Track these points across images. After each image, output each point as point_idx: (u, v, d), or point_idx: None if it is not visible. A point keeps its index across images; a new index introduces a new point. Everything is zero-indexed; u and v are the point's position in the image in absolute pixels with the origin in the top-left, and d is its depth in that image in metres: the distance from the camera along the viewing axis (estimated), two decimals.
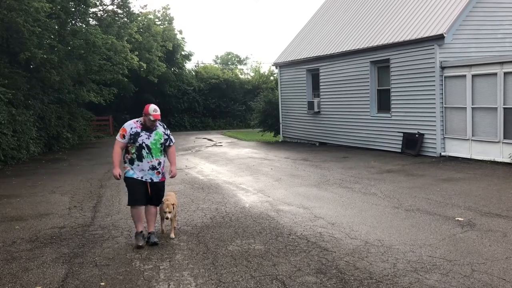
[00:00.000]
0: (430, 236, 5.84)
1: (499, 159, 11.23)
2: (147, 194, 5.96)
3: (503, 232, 5.90)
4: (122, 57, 21.32)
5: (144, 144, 5.89)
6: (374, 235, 5.99)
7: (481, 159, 11.65)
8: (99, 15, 20.48)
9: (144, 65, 24.39)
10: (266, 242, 5.84)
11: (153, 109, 5.90)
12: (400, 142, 13.87)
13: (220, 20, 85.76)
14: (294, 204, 7.92)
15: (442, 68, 12.52)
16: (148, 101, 29.84)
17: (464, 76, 12.01)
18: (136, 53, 23.73)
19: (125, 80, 24.42)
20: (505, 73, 11.03)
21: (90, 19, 20.43)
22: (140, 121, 6.02)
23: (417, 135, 13.28)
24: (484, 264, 4.83)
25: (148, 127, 5.96)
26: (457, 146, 12.37)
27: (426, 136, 13.06)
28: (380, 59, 14.73)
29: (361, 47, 15.29)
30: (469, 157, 11.98)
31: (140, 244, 5.79)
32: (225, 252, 5.51)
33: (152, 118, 5.87)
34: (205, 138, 23.83)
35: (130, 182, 5.95)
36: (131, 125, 5.99)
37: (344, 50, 16.15)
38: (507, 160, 10.98)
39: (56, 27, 17.59)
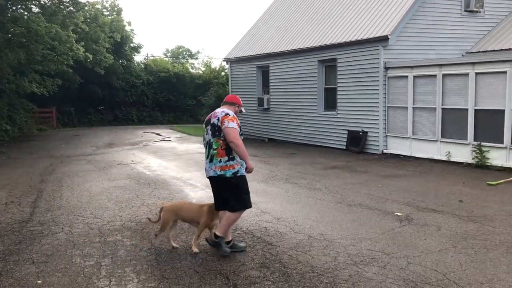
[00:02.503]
0: (370, 230, 6.06)
1: (437, 157, 11.79)
2: None
3: (437, 226, 6.22)
4: (67, 48, 20.55)
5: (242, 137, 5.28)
6: (317, 229, 6.14)
7: (420, 156, 12.20)
8: (42, 2, 19.56)
9: (91, 56, 23.61)
10: None
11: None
12: (345, 140, 14.26)
13: (171, 13, 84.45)
14: None
15: (386, 68, 12.97)
16: (95, 93, 29.40)
17: (406, 76, 12.50)
18: (82, 43, 22.90)
19: (70, 71, 23.58)
20: (443, 75, 11.59)
21: (32, 6, 19.47)
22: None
23: (361, 133, 13.70)
24: (419, 257, 5.07)
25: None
26: (399, 144, 12.88)
27: (369, 134, 13.50)
28: (327, 59, 15.04)
29: (310, 46, 15.56)
30: (410, 155, 12.50)
31: (245, 246, 5.42)
32: (169, 248, 5.46)
33: (244, 111, 5.47)
34: (153, 133, 23.41)
35: (246, 181, 5.29)
36: (234, 115, 5.24)
37: (293, 48, 16.37)
38: (444, 158, 11.55)
39: None
